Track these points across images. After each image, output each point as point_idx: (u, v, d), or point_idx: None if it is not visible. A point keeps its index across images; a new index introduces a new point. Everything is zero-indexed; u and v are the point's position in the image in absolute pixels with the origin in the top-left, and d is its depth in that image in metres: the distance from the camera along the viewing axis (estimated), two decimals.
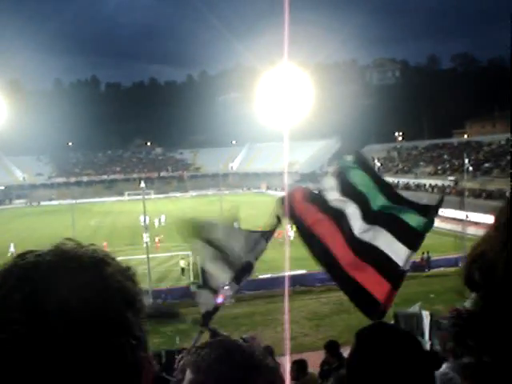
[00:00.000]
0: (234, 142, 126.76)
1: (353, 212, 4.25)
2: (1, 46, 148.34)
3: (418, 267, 29.83)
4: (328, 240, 4.32)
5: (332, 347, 8.13)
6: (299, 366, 7.27)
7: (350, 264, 4.08)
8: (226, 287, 5.26)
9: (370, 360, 1.54)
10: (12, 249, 36.63)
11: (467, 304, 0.81)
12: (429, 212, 4.03)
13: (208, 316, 5.20)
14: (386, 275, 3.91)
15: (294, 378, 6.78)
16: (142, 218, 52.32)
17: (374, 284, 3.93)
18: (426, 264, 30.36)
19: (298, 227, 4.74)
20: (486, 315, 0.78)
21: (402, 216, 4.01)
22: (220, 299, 5.20)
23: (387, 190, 4.31)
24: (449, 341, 0.80)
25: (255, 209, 65.79)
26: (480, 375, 0.77)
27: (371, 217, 4.16)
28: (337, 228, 4.29)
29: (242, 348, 1.17)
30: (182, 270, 30.16)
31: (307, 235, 4.57)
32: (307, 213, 4.59)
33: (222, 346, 1.17)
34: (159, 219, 54.92)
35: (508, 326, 0.75)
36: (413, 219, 3.97)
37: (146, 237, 31.68)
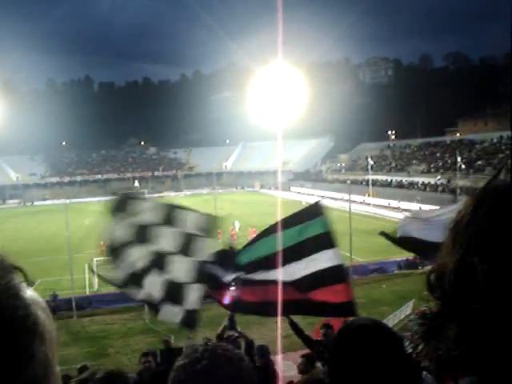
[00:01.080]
0: (227, 141, 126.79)
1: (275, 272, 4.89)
2: None
3: (411, 264, 30.00)
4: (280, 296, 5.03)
5: (329, 326, 8.28)
6: (308, 360, 7.34)
7: (309, 297, 4.77)
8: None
9: (350, 356, 1.57)
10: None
11: (425, 307, 0.88)
12: (318, 211, 4.93)
13: (190, 318, 5.38)
14: (336, 281, 4.64)
15: (302, 371, 6.85)
16: None
17: (332, 295, 4.61)
18: (419, 261, 30.53)
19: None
20: (445, 313, 0.85)
21: (304, 235, 4.77)
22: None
23: (287, 224, 5.12)
24: (418, 342, 0.85)
25: (249, 207, 66.10)
26: (451, 367, 0.82)
27: (288, 258, 4.78)
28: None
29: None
30: None
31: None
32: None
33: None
34: None
35: (464, 321, 0.80)
36: (312, 230, 4.75)
37: None
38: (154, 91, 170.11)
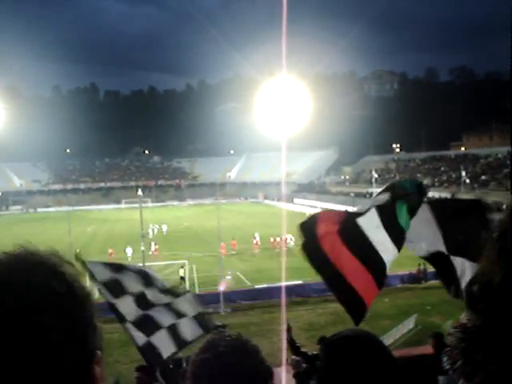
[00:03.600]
0: (231, 152, 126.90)
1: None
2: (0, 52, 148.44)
3: (414, 279, 29.75)
4: (329, 249, 4.35)
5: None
6: (299, 379, 7.27)
7: (345, 265, 4.13)
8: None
9: (338, 369, 1.56)
10: None
11: (463, 317, 0.84)
12: (418, 199, 4.16)
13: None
14: (374, 274, 4.02)
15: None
16: (150, 226, 52.74)
17: (364, 284, 4.03)
18: (422, 276, 30.29)
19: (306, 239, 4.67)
20: (490, 328, 0.79)
21: (398, 213, 4.09)
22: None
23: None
24: (458, 359, 0.79)
25: (252, 218, 65.96)
26: None
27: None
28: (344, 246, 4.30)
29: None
30: (182, 278, 29.92)
31: (312, 246, 4.55)
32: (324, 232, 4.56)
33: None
34: (159, 228, 54.98)
35: (510, 336, 0.76)
36: (402, 216, 4.05)
37: (142, 245, 31.62)
38: (160, 100, 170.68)
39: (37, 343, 0.69)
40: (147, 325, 5.20)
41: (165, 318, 5.18)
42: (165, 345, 5.14)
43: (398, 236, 4.09)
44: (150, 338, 5.13)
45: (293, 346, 7.67)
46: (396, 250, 4.08)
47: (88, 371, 0.76)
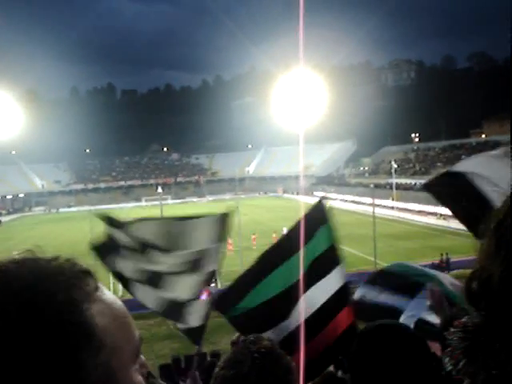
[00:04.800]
0: (249, 146, 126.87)
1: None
2: (18, 56, 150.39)
3: (437, 268, 29.53)
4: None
5: None
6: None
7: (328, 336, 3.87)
8: (212, 284, 4.89)
9: (372, 360, 1.51)
10: None
11: (467, 318, 0.81)
12: (322, 217, 3.89)
13: (195, 333, 4.86)
14: (341, 306, 3.78)
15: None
16: None
17: (338, 325, 3.75)
18: (445, 265, 30.05)
19: None
20: (491, 326, 0.77)
21: (311, 256, 3.79)
22: (204, 296, 4.83)
23: (297, 243, 3.99)
24: (460, 359, 0.77)
25: (273, 212, 65.98)
26: None
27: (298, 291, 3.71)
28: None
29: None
30: None
31: None
32: None
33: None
34: None
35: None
36: (318, 248, 3.78)
37: None
38: (176, 98, 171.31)
39: (31, 353, 0.63)
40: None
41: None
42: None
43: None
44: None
45: None
46: (335, 269, 3.85)
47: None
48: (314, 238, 3.82)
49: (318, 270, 3.80)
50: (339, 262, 3.82)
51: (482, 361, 0.75)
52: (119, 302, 0.79)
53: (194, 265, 4.69)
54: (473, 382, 0.73)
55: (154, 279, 4.75)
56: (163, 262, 4.70)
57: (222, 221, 4.73)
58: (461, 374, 0.74)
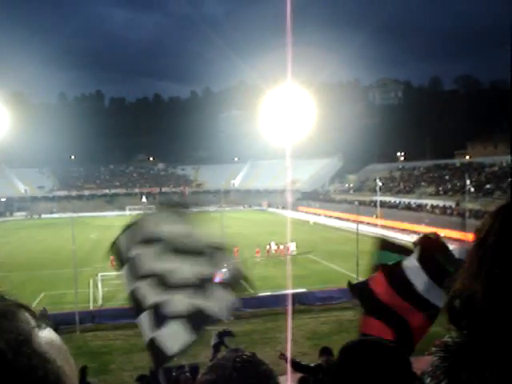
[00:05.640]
0: (236, 159, 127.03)
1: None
2: (6, 59, 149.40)
3: None
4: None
5: (328, 350, 8.33)
6: (304, 383, 7.29)
7: (402, 309, 4.28)
8: (224, 269, 4.93)
9: (354, 376, 1.51)
10: None
11: (448, 337, 0.79)
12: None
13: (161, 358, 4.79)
14: (428, 315, 4.10)
15: None
16: None
17: (418, 325, 4.17)
18: None
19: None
20: (474, 345, 0.76)
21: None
22: (218, 278, 4.91)
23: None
24: (442, 379, 0.76)
25: (257, 226, 65.99)
26: None
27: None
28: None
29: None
30: None
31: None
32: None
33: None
34: None
35: (495, 352, 0.73)
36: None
37: None
38: (164, 108, 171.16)
39: None
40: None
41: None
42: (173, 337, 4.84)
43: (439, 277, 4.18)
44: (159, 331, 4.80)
45: (293, 364, 7.69)
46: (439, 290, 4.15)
47: None
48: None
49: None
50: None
51: (465, 379, 0.74)
52: (54, 334, 0.74)
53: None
54: None
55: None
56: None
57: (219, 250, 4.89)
58: None
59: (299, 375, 7.29)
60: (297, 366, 7.89)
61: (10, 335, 0.63)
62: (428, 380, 0.77)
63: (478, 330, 0.76)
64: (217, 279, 4.94)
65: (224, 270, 5.11)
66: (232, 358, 1.27)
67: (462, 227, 42.82)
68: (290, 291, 23.81)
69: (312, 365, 8.29)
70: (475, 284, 0.77)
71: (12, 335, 0.63)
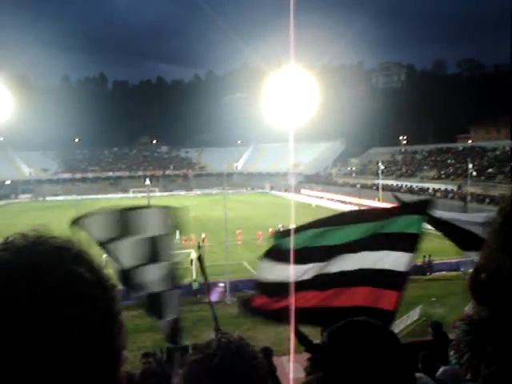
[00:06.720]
0: (239, 142, 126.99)
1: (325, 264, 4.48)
2: (10, 42, 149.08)
3: (419, 270, 30.00)
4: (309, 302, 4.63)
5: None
6: (313, 362, 7.49)
7: (344, 299, 4.30)
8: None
9: (345, 358, 1.54)
10: None
11: (468, 308, 0.88)
12: (418, 210, 4.35)
13: (173, 332, 5.08)
14: (388, 286, 4.10)
15: (309, 374, 6.98)
16: None
17: (377, 299, 4.13)
18: (427, 267, 30.53)
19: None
20: (500, 318, 0.75)
21: (391, 228, 4.27)
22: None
23: (368, 216, 4.59)
24: (465, 352, 0.75)
25: (259, 208, 66.26)
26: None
27: (353, 248, 4.34)
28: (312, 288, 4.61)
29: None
30: (191, 261, 29.73)
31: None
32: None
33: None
34: None
35: None
36: (403, 226, 4.23)
37: None
38: (168, 91, 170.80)
39: (62, 338, 0.60)
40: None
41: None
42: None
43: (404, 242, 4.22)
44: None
45: (300, 337, 7.89)
46: (405, 253, 4.17)
47: (114, 374, 0.68)
48: (397, 218, 4.33)
49: (385, 242, 4.23)
50: (413, 251, 4.18)
51: (489, 353, 0.74)
52: None
53: (152, 255, 4.93)
54: (474, 376, 0.70)
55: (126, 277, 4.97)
56: (124, 252, 4.88)
57: (169, 213, 4.93)
58: (465, 367, 0.72)
59: (307, 356, 7.50)
60: (303, 339, 8.07)
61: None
62: (451, 353, 0.76)
63: (503, 304, 0.75)
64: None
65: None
66: (218, 339, 1.32)
67: (464, 211, 43.00)
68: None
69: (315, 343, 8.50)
70: (501, 258, 0.76)
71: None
